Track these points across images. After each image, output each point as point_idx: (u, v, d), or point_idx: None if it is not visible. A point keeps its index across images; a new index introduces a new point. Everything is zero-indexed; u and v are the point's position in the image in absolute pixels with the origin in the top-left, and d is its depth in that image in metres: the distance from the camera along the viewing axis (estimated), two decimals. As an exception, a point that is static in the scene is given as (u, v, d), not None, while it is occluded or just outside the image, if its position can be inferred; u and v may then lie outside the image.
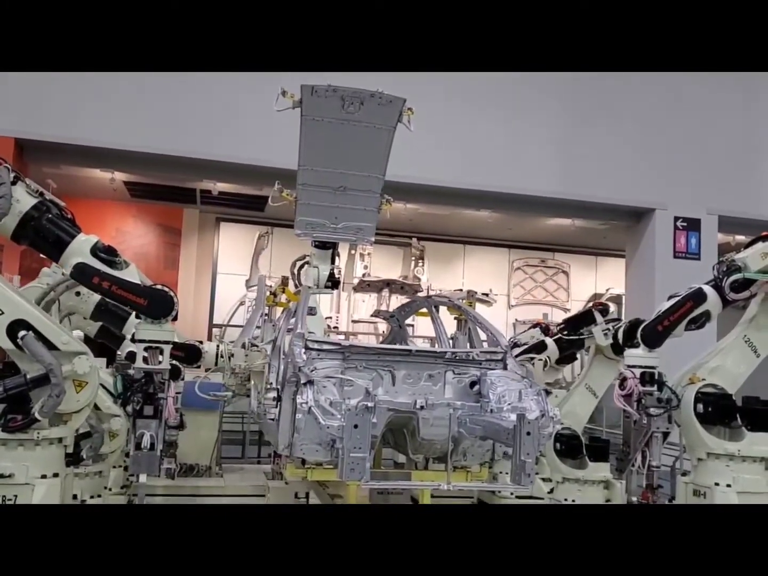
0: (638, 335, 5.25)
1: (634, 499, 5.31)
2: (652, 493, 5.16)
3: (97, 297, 5.71)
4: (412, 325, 13.66)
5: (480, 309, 10.79)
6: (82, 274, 4.10)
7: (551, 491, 6.50)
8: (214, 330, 16.10)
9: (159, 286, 4.32)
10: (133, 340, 4.33)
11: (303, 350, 4.96)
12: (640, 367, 5.21)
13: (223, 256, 17.09)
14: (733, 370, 5.48)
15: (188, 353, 6.20)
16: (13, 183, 3.98)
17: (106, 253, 4.18)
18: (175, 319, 4.34)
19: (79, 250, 4.11)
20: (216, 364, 6.53)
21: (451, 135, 12.06)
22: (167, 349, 4.26)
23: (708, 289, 5.27)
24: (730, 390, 5.42)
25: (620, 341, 5.79)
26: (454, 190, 12.38)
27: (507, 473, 5.95)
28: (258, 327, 6.49)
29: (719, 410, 5.29)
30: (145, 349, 4.20)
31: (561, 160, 12.61)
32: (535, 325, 7.97)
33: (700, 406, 5.29)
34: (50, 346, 4.00)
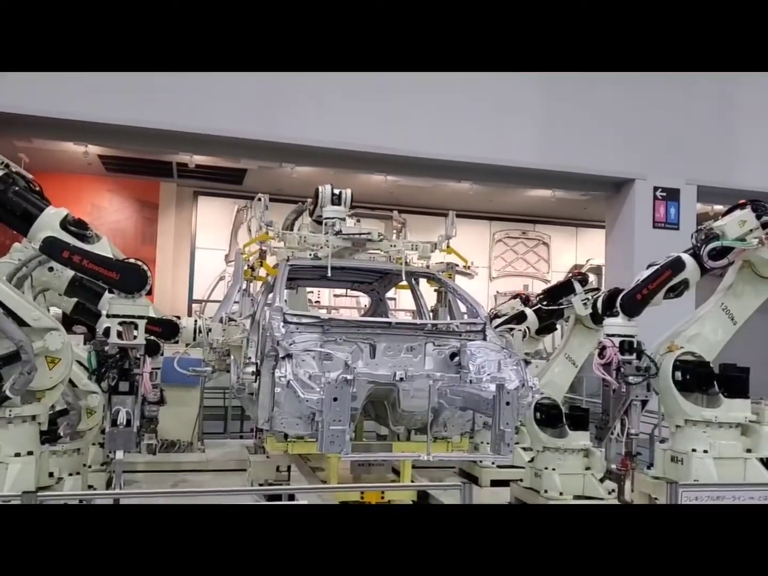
0: (617, 304, 5.25)
1: (614, 466, 5.36)
2: (631, 460, 5.21)
3: (71, 272, 5.59)
4: (394, 299, 13.65)
5: (461, 281, 10.77)
6: (51, 248, 3.97)
7: (531, 460, 6.57)
8: (194, 305, 15.98)
9: (132, 260, 4.22)
10: (107, 316, 4.24)
11: (281, 324, 4.92)
12: (619, 335, 5.21)
13: (202, 230, 16.89)
14: (711, 338, 5.52)
15: (165, 329, 6.12)
16: None
17: (76, 226, 4.05)
18: (149, 293, 4.25)
19: (48, 223, 3.98)
20: (194, 339, 6.45)
21: (432, 107, 11.94)
22: (142, 323, 4.17)
23: (687, 258, 5.27)
24: (708, 357, 5.46)
25: (599, 311, 5.79)
26: (435, 162, 12.29)
27: (487, 443, 6.00)
28: (236, 302, 6.41)
29: (697, 378, 5.33)
30: (120, 324, 4.12)
31: (541, 131, 12.54)
32: (515, 296, 7.97)
33: (678, 374, 5.33)
34: (21, 322, 3.92)
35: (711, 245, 5.17)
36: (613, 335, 5.24)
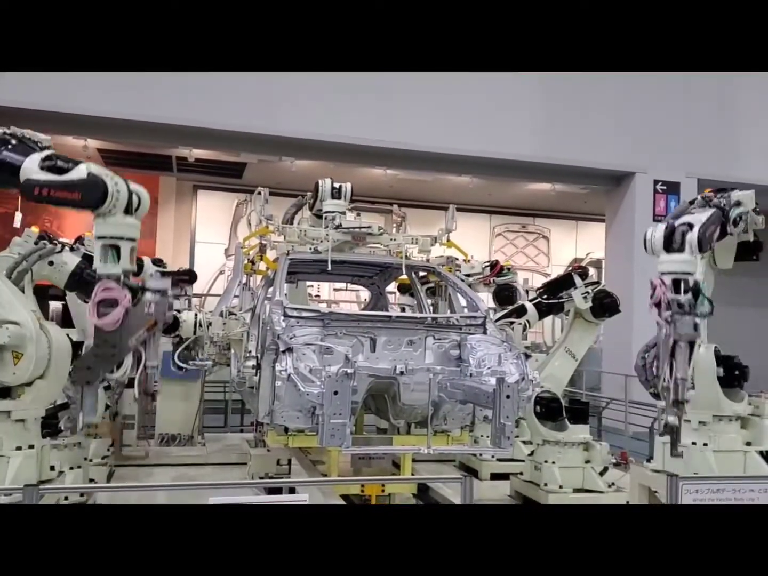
0: (695, 238, 4.80)
1: (671, 418, 4.72)
2: (679, 408, 4.68)
3: (71, 266, 5.57)
4: (393, 293, 13.64)
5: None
6: (26, 191, 3.74)
7: (531, 453, 6.58)
8: (194, 300, 15.97)
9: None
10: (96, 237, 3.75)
11: (282, 318, 4.93)
12: (677, 273, 4.78)
13: (201, 224, 16.88)
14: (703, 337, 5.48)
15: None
16: None
17: (51, 160, 3.77)
18: (128, 212, 3.73)
19: (30, 168, 3.75)
20: (195, 333, 6.46)
21: (432, 100, 11.92)
22: (126, 246, 3.68)
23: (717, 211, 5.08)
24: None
25: (654, 249, 5.19)
26: (435, 155, 12.29)
27: (487, 436, 6.01)
28: (236, 296, 6.42)
29: (740, 373, 5.30)
30: (106, 247, 3.66)
31: (541, 125, 12.53)
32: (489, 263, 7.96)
33: (721, 370, 5.24)
34: None
35: (738, 210, 5.08)
36: (668, 273, 4.78)
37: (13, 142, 3.90)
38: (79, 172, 3.71)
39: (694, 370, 5.22)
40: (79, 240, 6.15)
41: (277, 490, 4.92)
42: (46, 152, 3.87)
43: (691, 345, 4.72)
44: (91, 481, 5.77)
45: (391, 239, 6.39)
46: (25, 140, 3.97)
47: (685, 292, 4.73)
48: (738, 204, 5.13)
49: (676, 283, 4.76)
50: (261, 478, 6.19)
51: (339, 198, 6.49)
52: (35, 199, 3.76)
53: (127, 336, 3.66)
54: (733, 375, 5.31)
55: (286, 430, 5.32)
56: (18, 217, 12.58)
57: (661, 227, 4.96)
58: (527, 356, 5.13)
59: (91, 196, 3.63)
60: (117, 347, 3.64)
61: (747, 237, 5.32)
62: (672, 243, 4.89)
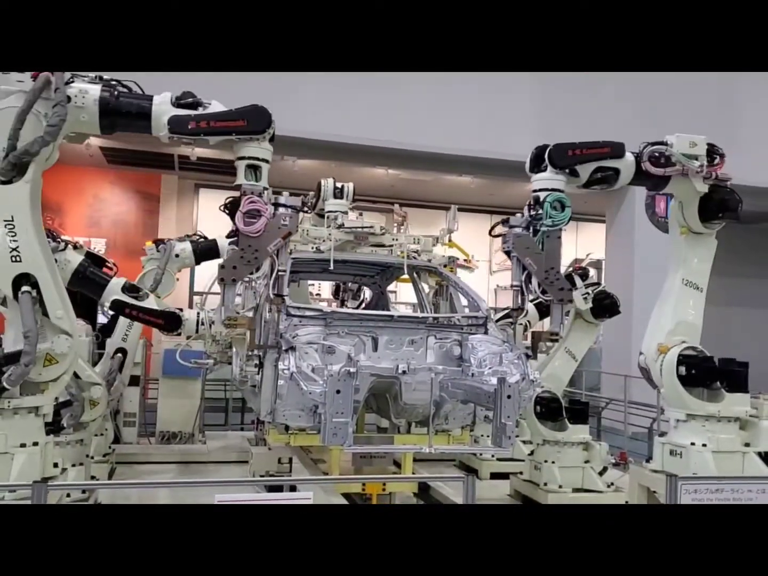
0: (546, 154, 5.11)
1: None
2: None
3: (74, 264, 5.61)
4: (395, 292, 13.67)
5: (461, 275, 10.78)
6: (177, 125, 4.25)
7: (531, 453, 6.61)
8: (195, 297, 15.98)
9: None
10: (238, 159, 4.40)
11: (284, 316, 4.95)
12: (541, 190, 5.05)
13: (203, 222, 16.86)
14: (689, 319, 5.50)
15: (168, 321, 6.13)
16: (69, 82, 4.06)
17: (184, 99, 4.35)
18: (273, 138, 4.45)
19: (163, 108, 4.27)
20: (197, 331, 6.48)
21: (433, 100, 11.93)
22: (266, 168, 4.41)
23: (628, 152, 5.28)
24: (697, 341, 5.46)
25: (530, 167, 5.32)
26: (436, 156, 12.29)
27: (488, 436, 6.04)
28: (239, 294, 6.43)
29: (702, 372, 5.32)
30: (248, 167, 4.34)
31: (542, 124, 12.52)
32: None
33: (683, 369, 5.31)
34: (45, 312, 4.00)
35: (655, 147, 5.25)
36: (536, 191, 5.08)
37: (121, 89, 4.26)
38: (217, 107, 4.37)
39: (662, 372, 5.36)
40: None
41: (278, 488, 4.96)
42: (167, 93, 4.35)
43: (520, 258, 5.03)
44: (93, 478, 5.80)
45: (393, 239, 6.42)
46: (123, 85, 4.33)
47: (540, 206, 5.00)
48: (661, 143, 5.27)
49: (536, 199, 5.05)
50: (262, 476, 6.21)
51: (341, 198, 6.54)
52: (189, 132, 4.29)
53: (266, 243, 4.34)
54: (705, 376, 5.35)
55: (287, 428, 5.34)
56: None
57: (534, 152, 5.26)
58: (528, 356, 5.16)
59: (259, 123, 4.34)
60: (259, 251, 4.34)
61: (701, 187, 5.36)
62: (537, 163, 5.22)
